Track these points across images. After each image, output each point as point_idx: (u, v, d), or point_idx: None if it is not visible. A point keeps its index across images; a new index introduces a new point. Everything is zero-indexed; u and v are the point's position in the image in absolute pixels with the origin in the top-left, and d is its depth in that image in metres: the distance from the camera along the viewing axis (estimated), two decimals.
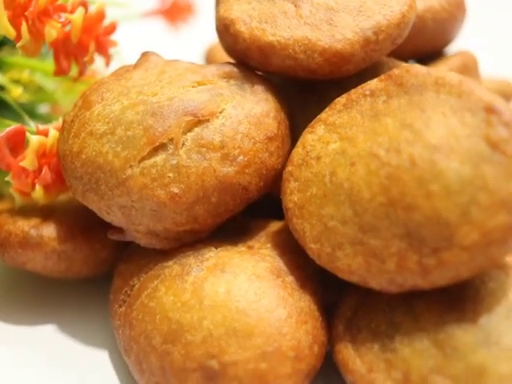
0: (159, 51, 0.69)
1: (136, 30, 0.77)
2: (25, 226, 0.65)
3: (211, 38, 0.87)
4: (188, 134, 0.59)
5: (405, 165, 0.55)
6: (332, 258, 0.57)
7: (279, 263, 0.61)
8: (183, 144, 0.59)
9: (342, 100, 0.61)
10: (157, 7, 0.93)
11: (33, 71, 0.74)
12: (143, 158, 0.59)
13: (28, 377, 0.62)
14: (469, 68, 0.74)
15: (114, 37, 0.70)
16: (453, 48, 0.80)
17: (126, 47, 0.77)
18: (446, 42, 0.78)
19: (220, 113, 0.60)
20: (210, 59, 0.87)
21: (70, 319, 0.68)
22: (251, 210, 0.65)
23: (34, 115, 0.76)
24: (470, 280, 0.57)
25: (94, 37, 0.67)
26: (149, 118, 0.59)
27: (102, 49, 0.69)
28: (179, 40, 0.95)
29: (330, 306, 0.62)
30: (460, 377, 0.53)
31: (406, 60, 0.75)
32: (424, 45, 0.75)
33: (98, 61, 0.75)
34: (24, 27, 0.63)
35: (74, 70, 0.70)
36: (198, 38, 0.80)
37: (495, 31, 1.06)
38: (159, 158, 0.59)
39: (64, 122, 0.64)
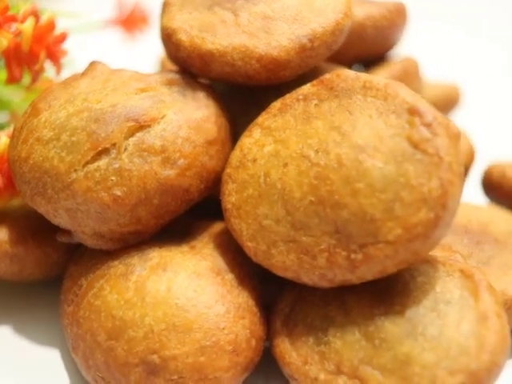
0: (115, 61, 0.72)
1: (93, 40, 0.79)
2: None
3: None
4: (130, 139, 0.62)
5: (332, 165, 0.57)
6: (267, 255, 0.60)
7: (220, 262, 0.64)
8: (125, 148, 0.61)
9: (277, 104, 0.63)
10: (114, 17, 0.96)
11: None
12: (87, 163, 0.61)
13: None
14: (410, 73, 0.77)
15: (65, 46, 0.72)
16: (399, 53, 0.83)
17: (82, 57, 0.79)
18: (388, 47, 0.81)
19: (161, 118, 0.63)
20: (165, 68, 0.90)
21: (22, 321, 0.70)
22: (196, 212, 0.68)
23: None
24: (399, 275, 0.60)
25: (45, 46, 0.70)
26: (92, 124, 0.62)
27: (54, 57, 0.72)
28: (135, 49, 0.98)
29: (270, 304, 0.65)
30: (388, 366, 0.56)
31: (349, 65, 0.78)
32: (366, 51, 0.78)
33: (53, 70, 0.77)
34: None
35: (26, 79, 0.73)
36: (153, 47, 0.83)
37: (444, 37, 1.09)
38: (102, 162, 0.61)
39: (14, 129, 0.66)
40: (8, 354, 0.67)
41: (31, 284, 0.74)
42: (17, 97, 0.80)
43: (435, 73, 0.91)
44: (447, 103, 0.91)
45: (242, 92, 0.71)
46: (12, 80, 0.71)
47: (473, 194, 0.80)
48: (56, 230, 0.66)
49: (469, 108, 0.94)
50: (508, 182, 0.75)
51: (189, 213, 0.66)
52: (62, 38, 0.72)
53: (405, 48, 0.84)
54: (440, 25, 1.11)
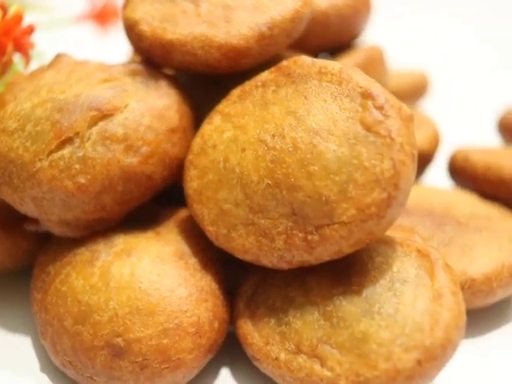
0: (88, 55, 0.73)
1: (65, 34, 0.80)
2: None
3: None
4: (93, 128, 0.63)
5: (288, 148, 0.59)
6: (228, 238, 0.61)
7: (183, 247, 0.65)
8: (88, 137, 0.62)
9: (236, 92, 0.65)
10: (86, 12, 0.98)
11: None
12: (51, 152, 0.62)
13: None
14: (375, 60, 0.78)
15: (32, 38, 0.74)
16: (365, 41, 0.84)
17: (55, 52, 0.80)
18: (353, 35, 0.82)
19: (124, 107, 0.64)
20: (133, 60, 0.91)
21: None
22: (161, 200, 0.69)
23: None
24: (357, 255, 0.61)
25: (12, 38, 0.71)
26: (56, 114, 0.63)
27: (21, 50, 0.73)
28: (108, 43, 0.99)
29: (233, 288, 0.66)
30: (345, 344, 0.57)
31: (315, 53, 0.79)
32: (330, 39, 0.79)
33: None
34: None
35: None
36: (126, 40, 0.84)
37: (411, 25, 1.10)
38: (66, 151, 0.62)
39: None
40: None
41: (2, 274, 0.75)
42: None
43: (404, 61, 0.92)
44: (415, 91, 0.93)
45: (205, 81, 0.72)
46: None
47: (439, 178, 0.81)
48: (24, 219, 0.68)
49: (437, 96, 0.95)
50: (471, 166, 0.76)
51: (154, 200, 0.68)
52: (30, 30, 0.73)
53: (371, 36, 0.85)
54: (407, 12, 1.12)
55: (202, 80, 0.73)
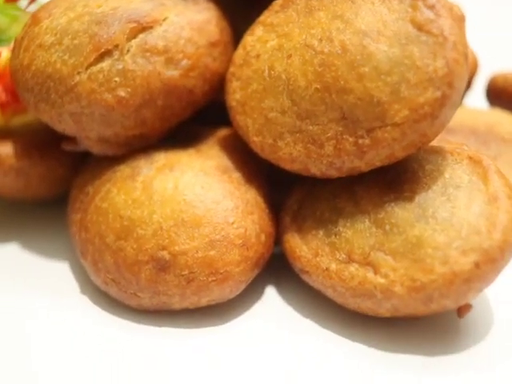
0: None
1: None
2: None
3: None
4: (132, 40, 0.61)
5: (337, 51, 0.57)
6: (274, 148, 0.59)
7: (226, 161, 0.63)
8: (128, 50, 0.61)
9: (279, 1, 0.63)
10: None
11: None
12: (90, 65, 0.61)
13: None
14: None
15: None
16: None
17: None
18: None
19: (163, 20, 0.62)
20: None
21: (31, 238, 0.70)
22: (201, 119, 0.67)
23: None
24: (407, 164, 0.59)
25: None
26: (94, 27, 0.61)
27: None
28: None
29: (278, 204, 0.65)
30: (399, 250, 0.56)
31: None
32: None
33: None
34: None
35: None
36: None
37: None
38: (105, 64, 0.61)
39: (15, 40, 0.66)
40: (18, 269, 0.67)
41: (37, 203, 0.73)
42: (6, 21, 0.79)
43: None
44: None
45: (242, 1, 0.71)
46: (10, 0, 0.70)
47: (477, 103, 0.80)
48: (61, 140, 0.66)
49: (472, 24, 0.93)
50: (511, 86, 0.75)
51: (193, 120, 0.66)
52: None
53: None
54: None
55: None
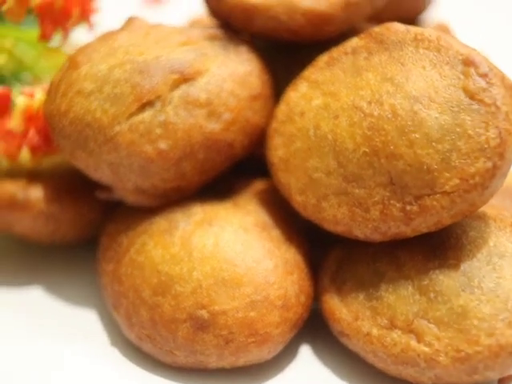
0: None
1: (116, 2, 0.77)
2: (12, 187, 0.65)
3: (192, 11, 0.88)
4: (175, 91, 0.60)
5: (387, 115, 0.56)
6: (317, 208, 0.59)
7: (264, 217, 0.62)
8: (170, 101, 0.60)
9: (324, 58, 0.62)
10: None
11: (15, 40, 0.74)
12: (131, 115, 0.59)
13: (14, 339, 0.63)
14: None
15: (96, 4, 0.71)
16: (428, 17, 0.83)
17: (105, 19, 0.77)
18: (420, 10, 0.80)
19: (205, 71, 0.61)
20: None
21: (57, 282, 0.69)
22: (235, 170, 0.66)
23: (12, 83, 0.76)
24: (451, 230, 0.59)
25: (78, 2, 0.68)
26: (136, 76, 0.60)
27: (85, 15, 0.70)
28: (158, 14, 0.96)
29: (316, 262, 0.64)
30: (444, 319, 0.55)
31: None
32: (398, 12, 0.77)
33: (79, 34, 0.76)
34: None
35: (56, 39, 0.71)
36: (177, 11, 0.81)
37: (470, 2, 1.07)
38: (147, 115, 0.60)
39: (51, 83, 0.64)
40: (44, 315, 0.65)
41: (64, 247, 0.72)
42: (40, 58, 0.78)
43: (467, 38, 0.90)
44: None
45: (281, 49, 0.70)
46: (44, 37, 0.69)
47: None
48: (92, 188, 0.65)
49: None
50: None
51: (228, 170, 0.65)
52: None
53: (434, 13, 0.84)
54: None
55: (276, 47, 0.70)
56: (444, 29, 0.78)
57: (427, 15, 0.82)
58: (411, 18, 0.80)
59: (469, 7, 1.04)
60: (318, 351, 0.62)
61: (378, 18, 0.72)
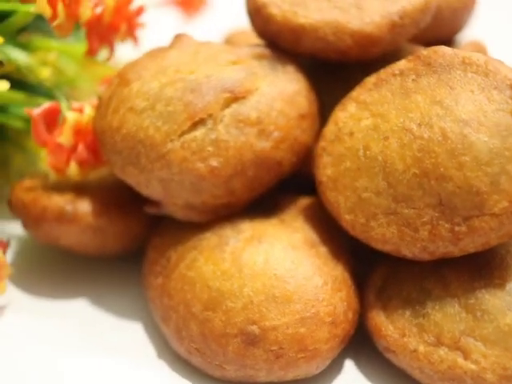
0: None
1: (151, 18, 0.79)
2: (60, 201, 0.66)
3: (228, 26, 0.89)
4: (226, 109, 0.62)
5: (437, 138, 0.58)
6: (366, 228, 0.60)
7: (312, 235, 0.64)
8: (221, 119, 0.61)
9: (371, 79, 0.64)
10: None
11: (59, 54, 0.75)
12: (183, 133, 0.61)
13: (61, 351, 0.64)
14: None
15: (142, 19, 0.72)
16: (463, 37, 0.84)
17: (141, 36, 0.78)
18: (457, 30, 0.82)
19: (255, 90, 0.63)
20: None
21: (102, 294, 0.70)
22: (280, 187, 0.68)
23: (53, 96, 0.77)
24: (496, 251, 0.60)
25: (126, 18, 0.70)
26: (188, 95, 0.61)
27: (132, 30, 0.71)
28: (194, 29, 0.97)
29: (361, 279, 0.65)
30: (490, 337, 0.57)
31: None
32: (437, 33, 0.78)
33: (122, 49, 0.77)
34: (60, 7, 0.65)
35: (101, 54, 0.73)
36: (213, 27, 0.82)
37: (505, 20, 1.08)
38: (199, 133, 0.61)
39: (101, 99, 0.66)
40: (90, 327, 0.66)
41: (109, 260, 0.73)
42: (81, 72, 0.79)
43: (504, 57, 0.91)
44: None
45: (326, 69, 0.71)
46: (91, 53, 0.70)
47: None
48: (139, 201, 0.66)
49: None
50: None
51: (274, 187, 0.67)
52: (140, 10, 0.72)
53: (470, 31, 0.85)
54: (506, 7, 1.10)
55: (320, 67, 0.71)
56: (480, 48, 0.79)
57: (462, 34, 0.84)
58: (448, 39, 0.81)
59: (503, 26, 1.05)
60: (362, 366, 0.63)
61: (416, 38, 0.73)
